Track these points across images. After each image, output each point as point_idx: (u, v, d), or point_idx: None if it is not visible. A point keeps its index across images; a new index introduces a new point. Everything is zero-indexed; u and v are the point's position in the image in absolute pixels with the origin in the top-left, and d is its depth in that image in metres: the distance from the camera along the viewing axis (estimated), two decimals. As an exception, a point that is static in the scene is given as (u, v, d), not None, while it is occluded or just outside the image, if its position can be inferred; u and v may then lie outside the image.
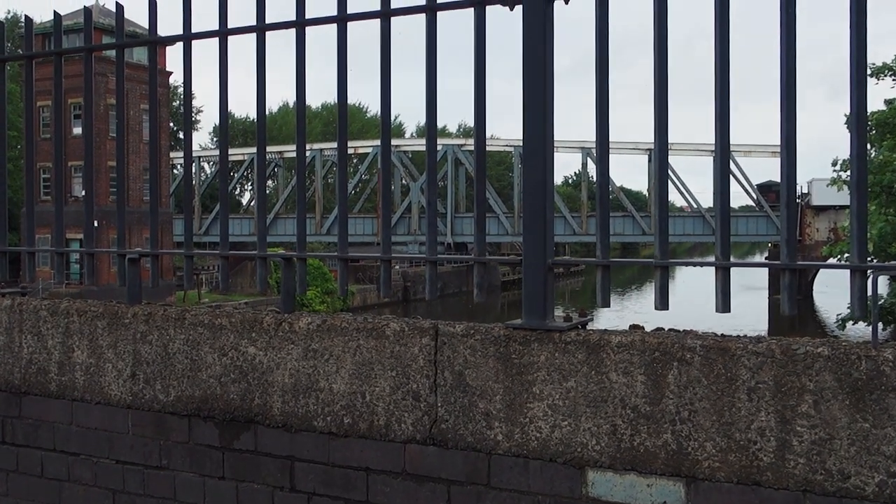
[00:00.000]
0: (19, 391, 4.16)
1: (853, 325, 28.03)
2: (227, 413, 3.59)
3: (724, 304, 2.91)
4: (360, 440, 3.31)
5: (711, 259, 2.96)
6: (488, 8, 3.26)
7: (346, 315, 3.51)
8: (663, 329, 3.07)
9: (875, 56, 34.16)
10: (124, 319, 3.87)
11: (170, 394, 3.73)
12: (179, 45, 3.91)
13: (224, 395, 3.60)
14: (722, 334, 2.91)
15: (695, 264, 3.03)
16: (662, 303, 2.96)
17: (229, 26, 3.73)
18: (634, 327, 3.08)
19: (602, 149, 3.09)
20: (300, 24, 3.58)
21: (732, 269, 2.90)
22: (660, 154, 3.01)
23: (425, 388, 3.20)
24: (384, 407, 3.27)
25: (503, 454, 3.05)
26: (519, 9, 3.14)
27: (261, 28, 3.66)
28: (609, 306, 3.11)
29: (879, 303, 2.70)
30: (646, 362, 2.84)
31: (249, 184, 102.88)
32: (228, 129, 3.89)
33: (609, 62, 3.08)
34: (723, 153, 2.96)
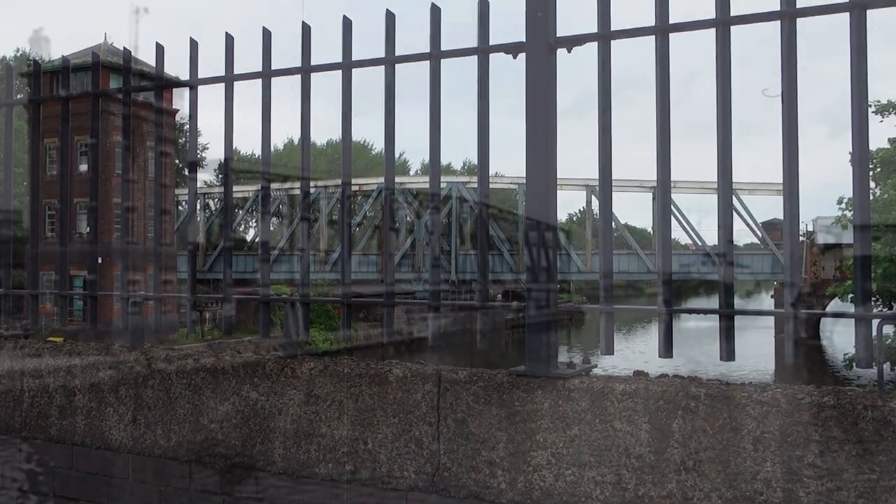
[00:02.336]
0: (20, 435, 4.13)
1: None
2: (228, 459, 3.56)
3: (728, 352, 2.89)
4: (361, 487, 3.27)
5: (716, 298, 2.94)
6: (491, 54, 3.27)
7: (348, 360, 3.49)
8: (668, 375, 3.05)
9: (879, 94, 34.20)
10: (126, 363, 3.85)
11: (171, 439, 3.70)
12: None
13: (225, 441, 3.57)
14: (727, 382, 2.88)
15: (699, 312, 3.02)
16: (667, 351, 2.94)
17: (235, 71, 3.76)
18: (639, 374, 3.06)
19: (605, 195, 3.09)
20: (305, 70, 3.59)
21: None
22: (663, 199, 3.01)
23: (428, 436, 3.17)
24: (386, 454, 3.24)
25: (506, 503, 3.01)
26: (522, 56, 3.16)
27: (266, 74, 3.68)
28: (613, 353, 3.09)
29: (886, 342, 2.66)
30: (650, 410, 2.81)
31: (254, 220, 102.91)
32: (232, 172, 3.91)
33: (612, 103, 3.09)
34: (724, 194, 2.95)
